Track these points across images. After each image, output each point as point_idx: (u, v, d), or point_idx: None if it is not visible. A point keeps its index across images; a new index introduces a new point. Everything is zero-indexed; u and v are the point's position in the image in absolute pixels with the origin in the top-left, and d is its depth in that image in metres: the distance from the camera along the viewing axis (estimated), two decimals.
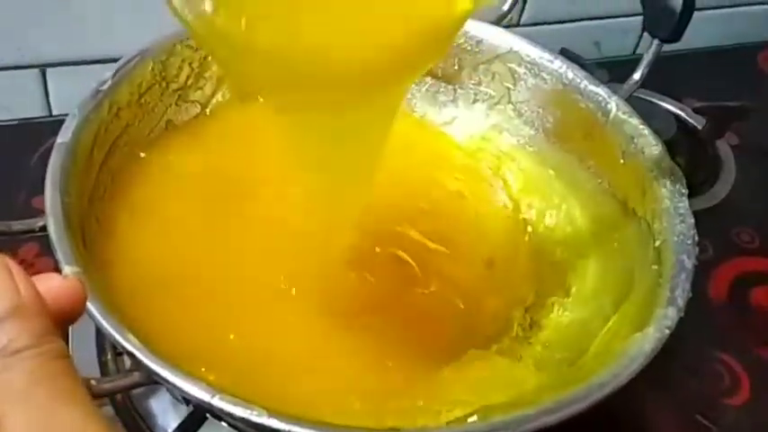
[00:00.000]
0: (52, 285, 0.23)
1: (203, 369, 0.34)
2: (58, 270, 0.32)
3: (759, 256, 0.54)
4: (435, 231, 0.42)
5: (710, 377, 0.47)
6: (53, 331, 0.22)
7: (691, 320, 0.33)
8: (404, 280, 0.40)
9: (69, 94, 0.58)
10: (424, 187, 0.45)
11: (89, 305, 0.30)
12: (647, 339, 0.32)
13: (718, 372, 0.47)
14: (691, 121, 0.60)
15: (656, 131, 0.41)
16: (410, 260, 0.40)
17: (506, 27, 0.47)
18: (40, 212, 0.51)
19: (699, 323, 0.49)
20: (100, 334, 0.41)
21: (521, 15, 0.62)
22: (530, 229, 0.44)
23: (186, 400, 0.30)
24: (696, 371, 0.47)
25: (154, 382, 0.30)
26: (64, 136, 0.37)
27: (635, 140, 0.40)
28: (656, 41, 0.40)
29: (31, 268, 0.49)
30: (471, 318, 0.39)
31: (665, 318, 0.32)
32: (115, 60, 0.49)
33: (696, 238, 0.35)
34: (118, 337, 0.30)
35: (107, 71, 0.40)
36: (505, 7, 0.47)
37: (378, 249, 0.41)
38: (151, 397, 0.41)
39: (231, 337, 0.36)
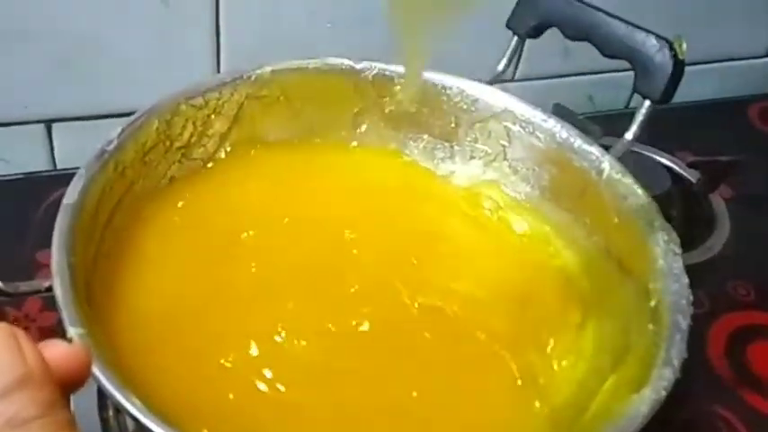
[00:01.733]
0: (58, 352, 0.23)
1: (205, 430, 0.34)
2: (61, 327, 0.32)
3: (755, 310, 0.54)
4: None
5: (709, 431, 0.47)
6: (60, 400, 0.22)
7: (688, 375, 0.33)
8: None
9: (74, 148, 0.60)
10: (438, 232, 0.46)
11: (92, 368, 0.30)
12: (644, 401, 0.32)
13: (717, 426, 0.47)
14: (685, 174, 0.60)
15: (650, 185, 0.42)
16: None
17: (501, 82, 0.48)
18: (44, 266, 0.52)
19: (696, 377, 0.50)
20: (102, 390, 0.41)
21: (515, 71, 0.64)
22: None
23: None
24: (694, 425, 0.47)
25: None
26: (70, 197, 0.37)
27: (628, 199, 0.40)
28: (647, 102, 0.41)
29: (33, 323, 0.49)
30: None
31: (662, 379, 0.33)
32: (119, 116, 0.50)
33: (691, 298, 0.36)
34: (122, 399, 0.30)
35: (111, 126, 0.41)
36: (500, 68, 0.48)
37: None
38: None
39: (231, 396, 0.36)
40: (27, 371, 0.22)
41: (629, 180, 0.41)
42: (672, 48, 0.40)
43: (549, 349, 0.39)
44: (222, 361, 0.37)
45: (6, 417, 0.21)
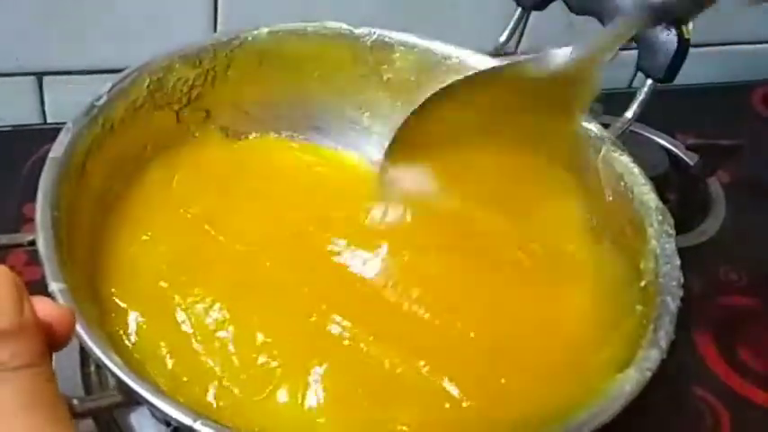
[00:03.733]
0: (45, 310, 0.23)
1: (185, 380, 0.34)
2: (45, 281, 0.32)
3: (745, 295, 0.54)
4: None
5: (692, 415, 0.47)
6: (47, 354, 0.22)
7: (673, 356, 0.33)
8: None
9: (64, 103, 0.59)
10: None
11: None
12: (628, 380, 0.32)
13: (700, 409, 0.47)
14: (683, 157, 0.60)
15: (648, 166, 0.41)
16: None
17: (503, 55, 0.48)
18: (30, 220, 0.51)
19: (682, 360, 0.50)
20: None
21: (518, 45, 0.63)
22: None
23: (167, 422, 0.30)
24: (678, 409, 0.47)
25: (136, 402, 0.30)
26: (57, 150, 0.37)
27: (624, 178, 0.40)
28: (649, 81, 0.41)
29: (18, 277, 0.49)
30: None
31: (647, 359, 0.32)
32: (111, 72, 0.49)
33: (682, 280, 0.35)
34: (102, 357, 0.30)
35: (103, 82, 0.40)
36: (502, 39, 0.47)
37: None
38: (132, 412, 0.40)
39: (212, 358, 0.36)
40: (23, 320, 0.22)
41: (626, 159, 0.40)
42: (678, 26, 0.39)
43: None
44: (201, 318, 0.37)
45: None
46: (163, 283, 0.39)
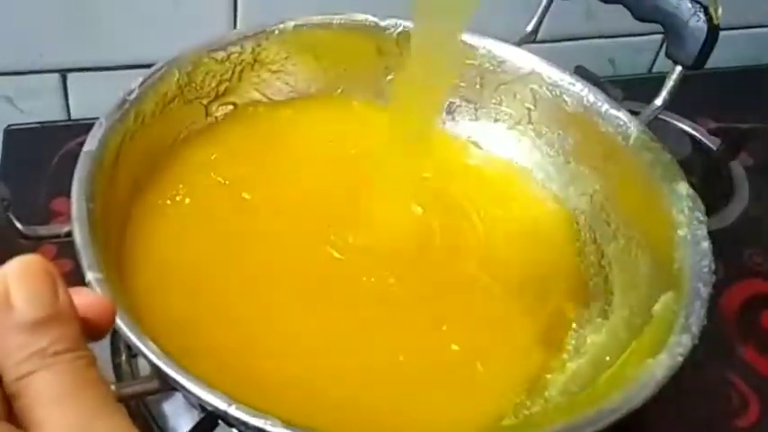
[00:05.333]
0: (85, 300, 0.23)
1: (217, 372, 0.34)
2: (75, 275, 0.33)
3: None
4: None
5: (719, 398, 0.47)
6: (85, 340, 0.23)
7: (700, 341, 0.33)
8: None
9: (88, 99, 0.59)
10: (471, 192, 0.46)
11: None
12: (660, 366, 0.32)
13: (727, 393, 0.47)
14: (705, 141, 0.60)
15: (671, 151, 0.41)
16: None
17: (527, 43, 0.48)
18: (59, 214, 0.52)
19: (708, 344, 0.50)
20: (115, 335, 0.42)
21: (537, 32, 0.62)
22: None
23: (202, 406, 0.31)
24: (705, 392, 0.47)
25: (172, 388, 0.31)
26: (91, 144, 0.37)
27: (655, 166, 0.40)
28: (678, 68, 0.40)
29: (52, 264, 0.49)
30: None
31: (679, 345, 0.33)
32: (134, 67, 0.49)
33: (713, 267, 0.35)
34: (139, 343, 0.31)
35: (126, 78, 0.41)
36: (529, 29, 0.47)
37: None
38: (164, 400, 0.41)
39: (248, 347, 0.36)
40: (60, 307, 0.22)
41: (656, 146, 0.40)
42: (707, 12, 0.39)
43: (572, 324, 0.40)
44: (235, 307, 0.38)
45: (38, 347, 0.21)
46: (190, 273, 0.39)
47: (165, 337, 0.35)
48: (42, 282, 0.22)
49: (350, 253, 0.41)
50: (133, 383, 0.32)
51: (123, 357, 0.43)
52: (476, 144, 0.48)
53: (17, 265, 0.22)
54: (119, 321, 0.31)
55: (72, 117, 0.60)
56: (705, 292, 0.35)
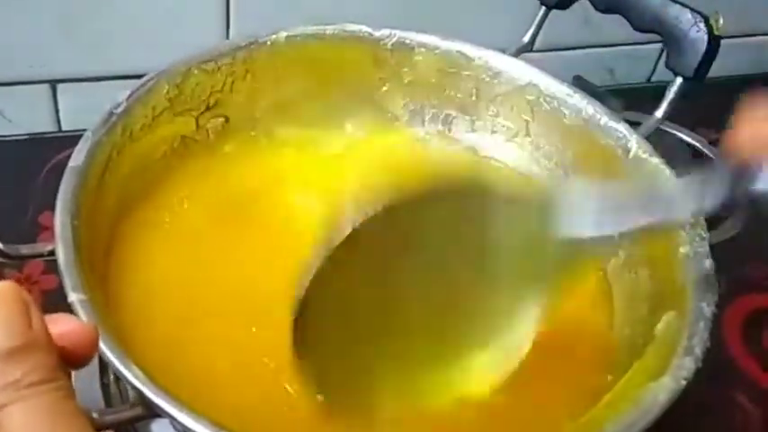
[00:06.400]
0: (67, 328, 0.23)
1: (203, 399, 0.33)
2: (62, 290, 0.32)
3: None
4: None
5: (722, 415, 0.46)
6: (63, 369, 0.22)
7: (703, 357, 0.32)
8: None
9: (79, 110, 0.58)
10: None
11: None
12: (663, 389, 0.31)
13: (732, 411, 0.46)
14: (706, 152, 0.59)
15: (670, 162, 0.40)
16: None
17: (521, 53, 0.47)
18: (46, 228, 0.51)
19: (710, 360, 0.49)
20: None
21: (534, 42, 0.62)
22: None
23: None
24: (708, 408, 0.46)
25: (156, 415, 0.30)
26: (76, 159, 0.36)
27: (653, 181, 0.39)
28: (678, 79, 0.40)
29: (35, 286, 0.48)
30: None
31: (682, 368, 0.32)
32: (125, 78, 0.48)
33: (716, 285, 0.35)
34: (122, 369, 0.30)
35: (117, 88, 0.40)
36: (526, 39, 0.46)
37: None
38: (153, 422, 0.40)
39: (233, 374, 0.35)
40: (34, 335, 0.21)
41: (656, 160, 0.39)
42: (707, 23, 0.38)
43: None
44: (223, 330, 0.36)
45: (12, 379, 0.20)
46: (178, 293, 0.38)
47: (151, 359, 0.34)
48: (15, 309, 0.21)
49: None
50: (117, 411, 0.31)
51: (111, 377, 0.42)
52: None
53: None
54: (102, 345, 0.30)
55: (62, 129, 0.60)
56: (709, 311, 0.34)
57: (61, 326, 0.23)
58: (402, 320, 0.31)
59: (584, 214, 0.30)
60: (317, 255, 0.29)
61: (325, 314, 0.30)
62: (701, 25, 0.38)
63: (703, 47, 0.38)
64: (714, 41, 0.38)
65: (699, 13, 0.39)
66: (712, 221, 0.54)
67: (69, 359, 0.23)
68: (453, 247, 0.31)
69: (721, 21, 0.38)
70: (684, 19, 0.39)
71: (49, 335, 0.22)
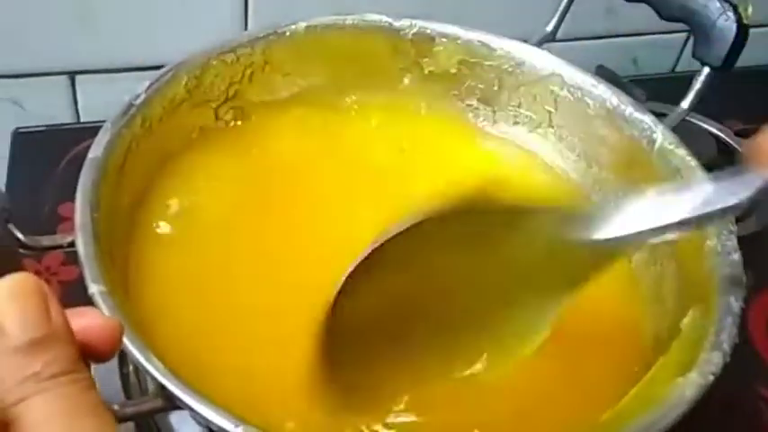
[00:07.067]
0: (89, 321, 0.23)
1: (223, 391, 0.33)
2: (82, 282, 0.32)
3: None
4: None
5: (749, 411, 0.45)
6: (82, 361, 0.22)
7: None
8: None
9: (97, 101, 0.58)
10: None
11: None
12: (690, 385, 0.30)
13: (758, 406, 0.46)
14: (732, 143, 0.58)
15: (695, 153, 0.39)
16: None
17: (544, 42, 0.46)
18: (65, 219, 0.51)
19: (737, 355, 0.48)
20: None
21: (557, 31, 0.61)
22: None
23: (208, 426, 0.30)
24: (734, 405, 0.45)
25: (177, 407, 0.29)
26: (95, 151, 0.36)
27: (681, 173, 0.38)
28: (706, 69, 0.39)
29: (54, 277, 0.49)
30: None
31: (710, 363, 0.31)
32: (143, 69, 0.48)
33: (744, 279, 0.34)
34: (143, 361, 0.29)
35: (135, 80, 0.40)
36: (549, 29, 0.45)
37: None
38: (172, 414, 0.40)
39: (254, 367, 0.35)
40: (54, 328, 0.21)
41: (683, 152, 0.38)
42: (736, 11, 0.37)
43: None
44: (245, 322, 0.36)
45: (31, 371, 0.20)
46: (198, 285, 0.38)
47: (173, 351, 0.34)
48: (33, 302, 0.21)
49: None
50: (137, 402, 0.31)
51: (131, 368, 0.42)
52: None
53: (6, 285, 0.21)
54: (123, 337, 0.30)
55: (81, 120, 0.60)
56: (736, 306, 0.33)
57: (86, 319, 0.22)
58: (428, 323, 0.32)
59: (613, 217, 0.30)
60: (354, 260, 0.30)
61: (354, 314, 0.31)
62: (730, 14, 0.37)
63: (732, 36, 0.37)
64: (743, 30, 0.37)
65: (727, 1, 0.38)
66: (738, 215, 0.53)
67: (91, 353, 0.22)
68: (480, 258, 0.32)
69: (750, 9, 0.37)
70: (713, 7, 0.38)
71: (69, 327, 0.22)
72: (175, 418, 0.40)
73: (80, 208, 0.34)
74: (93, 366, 0.23)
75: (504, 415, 0.34)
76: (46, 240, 0.35)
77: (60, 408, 0.20)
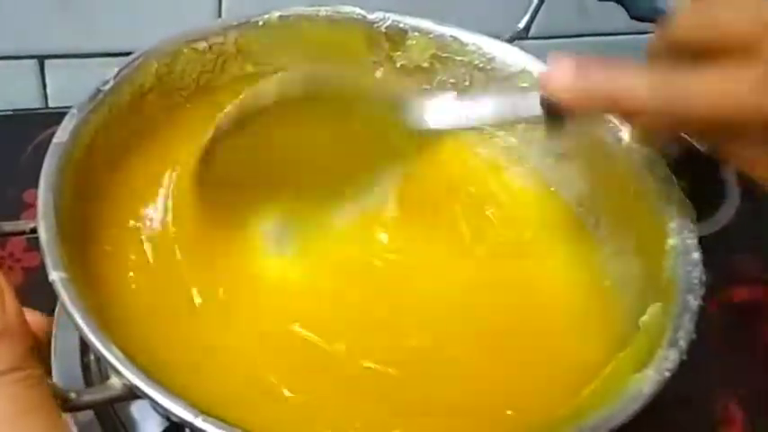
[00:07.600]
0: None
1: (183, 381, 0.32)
2: (45, 269, 0.31)
3: (761, 285, 0.53)
4: None
5: (703, 409, 0.46)
6: (35, 357, 0.21)
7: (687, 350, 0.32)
8: None
9: (66, 86, 0.58)
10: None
11: (73, 313, 0.29)
12: (647, 381, 0.31)
13: (712, 403, 0.47)
14: (694, 143, 0.59)
15: (659, 153, 0.40)
16: None
17: (515, 39, 0.46)
18: (30, 206, 0.51)
19: (694, 352, 0.49)
20: None
21: (529, 28, 0.61)
22: None
23: (167, 416, 0.30)
24: (689, 402, 0.46)
25: (136, 396, 0.29)
26: (61, 136, 0.36)
27: (644, 170, 0.39)
28: None
29: (18, 263, 0.48)
30: None
31: (666, 360, 0.32)
32: (115, 55, 0.47)
33: (704, 278, 0.34)
34: (102, 349, 0.29)
35: (106, 66, 0.39)
36: (521, 25, 0.46)
37: None
38: (133, 404, 0.40)
39: (216, 356, 0.35)
40: (6, 323, 0.21)
41: (647, 150, 0.39)
42: None
43: None
44: (205, 310, 0.36)
45: None
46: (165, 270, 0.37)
47: (134, 341, 0.34)
48: None
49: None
50: (95, 390, 0.30)
51: (92, 356, 0.41)
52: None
53: None
54: (81, 324, 0.29)
55: (49, 105, 0.59)
56: (695, 304, 0.34)
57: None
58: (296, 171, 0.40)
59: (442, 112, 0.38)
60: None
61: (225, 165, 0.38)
62: None
63: None
64: None
65: None
66: (701, 212, 0.54)
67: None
68: (330, 128, 0.40)
69: None
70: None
71: (22, 320, 0.21)
72: (137, 408, 0.40)
73: (43, 193, 0.33)
74: (54, 355, 0.23)
75: (458, 408, 0.34)
76: (8, 226, 0.34)
77: (6, 407, 0.20)
